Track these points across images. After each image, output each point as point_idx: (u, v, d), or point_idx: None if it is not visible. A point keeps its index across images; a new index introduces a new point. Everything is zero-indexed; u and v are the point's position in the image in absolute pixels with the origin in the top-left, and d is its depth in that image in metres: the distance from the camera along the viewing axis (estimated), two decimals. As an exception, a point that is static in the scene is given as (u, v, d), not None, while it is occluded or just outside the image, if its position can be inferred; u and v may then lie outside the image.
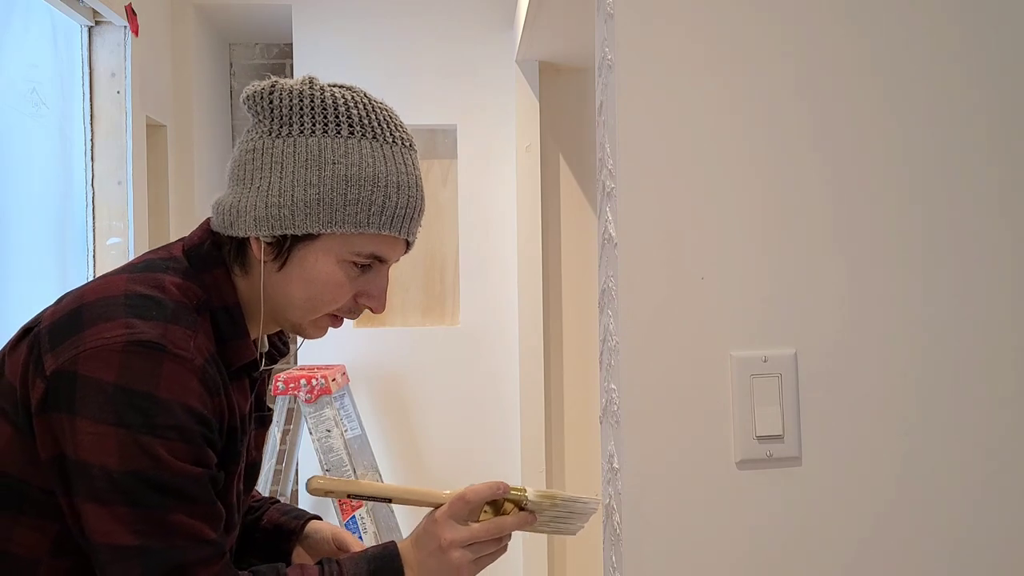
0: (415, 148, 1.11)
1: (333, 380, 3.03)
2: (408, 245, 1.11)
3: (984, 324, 0.99)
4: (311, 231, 1.02)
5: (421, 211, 1.09)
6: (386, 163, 1.04)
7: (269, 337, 1.20)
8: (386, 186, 1.03)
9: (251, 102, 1.06)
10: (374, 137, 1.05)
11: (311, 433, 3.02)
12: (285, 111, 1.04)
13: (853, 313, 0.98)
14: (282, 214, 1.02)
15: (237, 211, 1.04)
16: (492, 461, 3.41)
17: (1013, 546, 0.98)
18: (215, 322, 1.04)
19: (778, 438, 0.96)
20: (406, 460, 3.42)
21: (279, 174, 1.02)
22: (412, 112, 3.39)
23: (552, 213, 3.44)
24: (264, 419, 1.23)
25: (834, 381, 0.97)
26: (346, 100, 1.05)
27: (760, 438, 0.96)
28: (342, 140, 1.03)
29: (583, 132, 3.43)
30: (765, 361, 0.96)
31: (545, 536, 3.36)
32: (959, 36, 0.99)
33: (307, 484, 1.10)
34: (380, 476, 3.27)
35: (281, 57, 3.91)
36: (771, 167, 0.97)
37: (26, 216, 2.42)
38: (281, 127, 1.04)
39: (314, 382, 2.92)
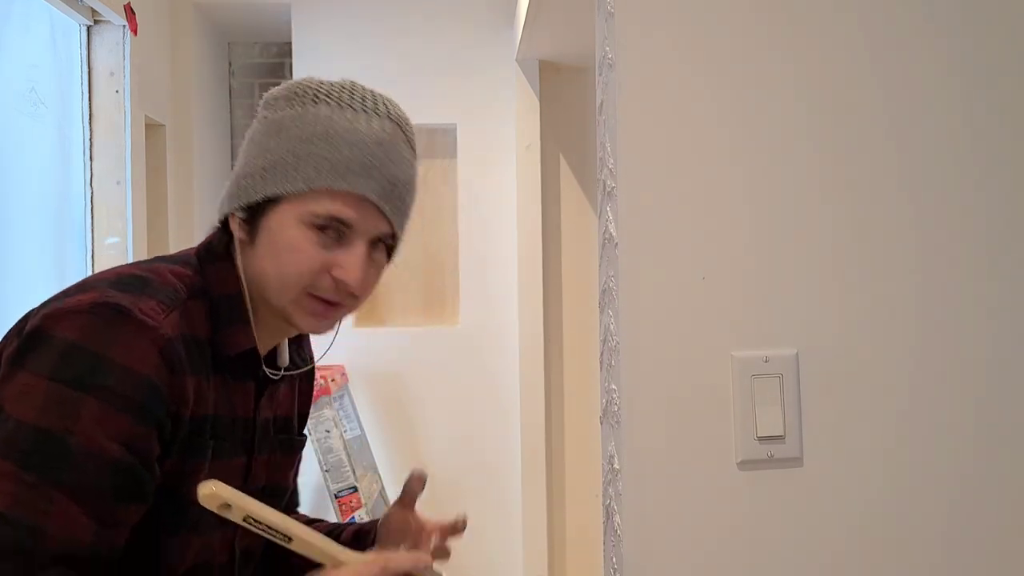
0: (396, 121, 1.06)
1: (332, 380, 3.02)
2: (384, 216, 1.02)
3: (985, 325, 0.98)
4: (267, 194, 0.99)
5: (386, 175, 1.01)
6: (344, 123, 1.01)
7: (289, 353, 1.16)
8: (339, 142, 0.99)
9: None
10: (339, 103, 1.02)
11: (310, 433, 3.01)
12: (270, 99, 1.05)
13: (855, 313, 0.97)
14: (245, 184, 1.01)
15: (222, 195, 1.05)
16: (492, 461, 3.41)
17: (1014, 546, 0.98)
18: (215, 310, 1.02)
19: (779, 439, 0.96)
20: (405, 460, 3.42)
21: (245, 151, 1.04)
22: (412, 112, 3.35)
23: (552, 213, 3.43)
24: (292, 444, 1.16)
25: (835, 382, 0.97)
26: (329, 82, 1.05)
27: (761, 439, 0.96)
28: (306, 108, 1.01)
29: (583, 131, 3.43)
30: (766, 361, 0.96)
31: (544, 534, 3.36)
32: (960, 38, 0.99)
33: (199, 488, 0.91)
34: (379, 476, 3.27)
35: (280, 56, 3.90)
36: (772, 166, 0.97)
37: (25, 215, 2.41)
38: (261, 111, 1.06)
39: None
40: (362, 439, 3.24)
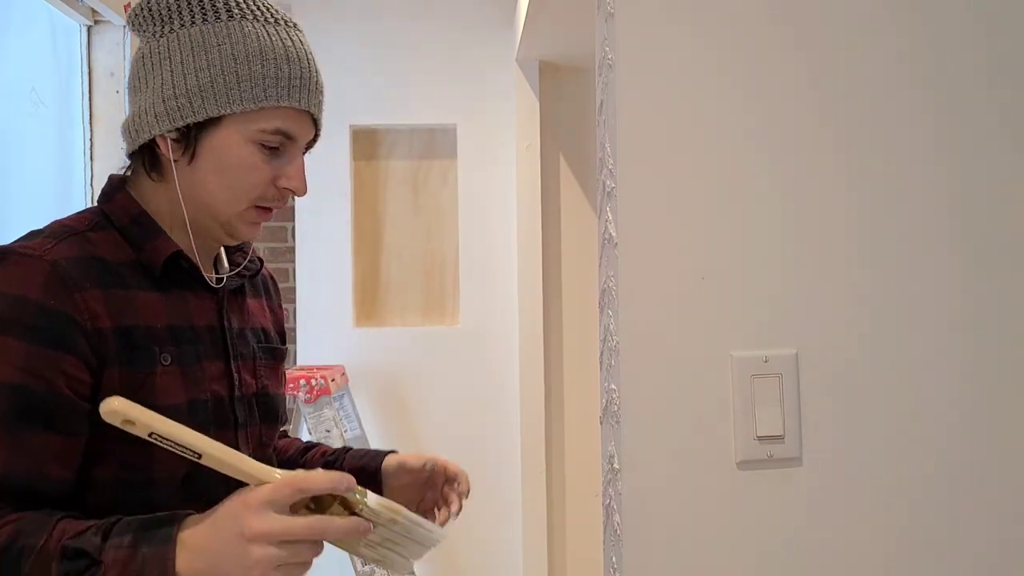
0: (300, 28, 1.12)
1: (332, 380, 3.02)
2: (316, 124, 1.12)
3: (985, 325, 0.98)
4: (211, 114, 1.03)
5: (317, 84, 1.10)
6: (271, 39, 1.06)
7: (230, 256, 1.21)
8: (275, 59, 1.05)
9: (134, 20, 1.09)
10: (255, 18, 1.06)
11: (311, 433, 3.01)
12: (164, 12, 1.07)
13: (854, 313, 0.97)
14: (179, 104, 1.03)
15: (138, 117, 1.07)
16: (492, 461, 3.41)
17: (1013, 545, 0.98)
18: (127, 236, 1.06)
19: (779, 439, 0.96)
20: (406, 460, 3.41)
21: (169, 68, 1.05)
22: (412, 112, 3.38)
23: (552, 213, 3.43)
24: (274, 352, 1.23)
25: (835, 382, 0.97)
26: None
27: (760, 438, 0.96)
28: (223, 24, 1.05)
29: (583, 132, 3.43)
30: (766, 361, 0.96)
31: (544, 534, 3.36)
32: (962, 38, 0.99)
33: (101, 405, 0.89)
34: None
35: (281, 57, 3.90)
36: (772, 166, 0.97)
37: (24, 215, 2.41)
38: (163, 27, 1.07)
39: (313, 382, 2.91)
40: (362, 439, 3.24)
